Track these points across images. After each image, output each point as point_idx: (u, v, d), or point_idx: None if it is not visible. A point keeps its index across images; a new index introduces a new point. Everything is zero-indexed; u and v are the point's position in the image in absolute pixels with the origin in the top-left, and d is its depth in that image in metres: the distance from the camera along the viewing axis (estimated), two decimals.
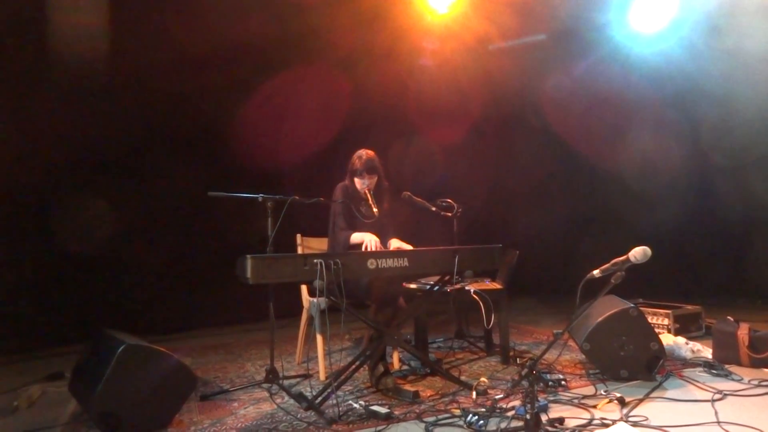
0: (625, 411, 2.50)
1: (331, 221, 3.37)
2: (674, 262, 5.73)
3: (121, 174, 5.11)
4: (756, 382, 2.84)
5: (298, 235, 3.65)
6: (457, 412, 2.56)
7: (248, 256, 2.44)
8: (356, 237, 3.18)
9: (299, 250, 3.59)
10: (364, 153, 3.33)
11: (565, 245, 6.63)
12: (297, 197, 3.14)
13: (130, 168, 5.16)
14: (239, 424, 2.60)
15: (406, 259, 2.79)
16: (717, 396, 2.66)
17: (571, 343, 3.57)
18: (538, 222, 6.56)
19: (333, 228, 3.35)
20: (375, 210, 3.20)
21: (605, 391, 2.77)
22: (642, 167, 5.96)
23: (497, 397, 2.73)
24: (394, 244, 3.27)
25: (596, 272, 2.38)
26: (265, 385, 3.17)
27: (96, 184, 4.94)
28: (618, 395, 2.64)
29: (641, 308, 3.15)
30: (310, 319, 3.52)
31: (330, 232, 3.40)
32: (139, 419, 2.48)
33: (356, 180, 3.32)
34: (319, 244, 3.63)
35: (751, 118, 5.12)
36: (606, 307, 3.08)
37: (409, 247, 3.21)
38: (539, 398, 2.48)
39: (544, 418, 2.33)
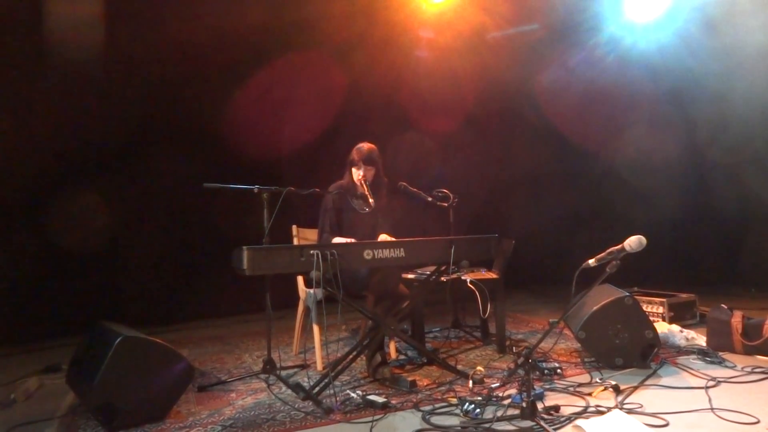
0: (620, 398, 2.51)
1: (320, 226, 3.37)
2: (670, 253, 5.76)
3: (116, 166, 5.07)
4: (749, 369, 2.87)
5: (294, 227, 3.64)
6: (454, 400, 2.57)
7: (245, 247, 2.44)
8: (337, 240, 3.15)
9: (295, 242, 3.58)
10: (364, 145, 3.33)
11: (561, 236, 6.63)
12: (293, 188, 3.12)
13: (125, 160, 5.12)
14: (237, 415, 2.60)
15: (402, 249, 2.79)
16: (711, 383, 2.69)
17: (566, 331, 3.61)
18: (534, 213, 6.56)
19: (320, 233, 3.36)
20: (371, 200, 3.19)
21: (600, 379, 2.78)
22: (638, 160, 5.96)
23: (493, 385, 2.75)
24: (382, 237, 3.26)
25: (592, 261, 2.39)
26: (262, 376, 3.17)
27: (92, 177, 4.91)
28: (613, 383, 2.66)
29: (636, 297, 3.16)
30: (307, 310, 3.53)
31: (318, 238, 3.40)
32: (137, 411, 2.48)
33: (353, 170, 3.31)
34: (315, 235, 3.60)
35: (747, 113, 5.12)
36: (601, 296, 3.09)
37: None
38: (535, 386, 2.50)
39: (539, 406, 2.35)
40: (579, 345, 3.26)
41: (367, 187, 3.24)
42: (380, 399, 2.58)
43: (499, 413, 2.34)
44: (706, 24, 4.76)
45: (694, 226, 6.00)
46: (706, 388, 2.62)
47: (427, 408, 2.51)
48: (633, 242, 2.34)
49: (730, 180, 5.55)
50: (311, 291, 3.29)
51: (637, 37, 5.27)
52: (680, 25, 4.92)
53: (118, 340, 2.43)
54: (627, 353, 2.99)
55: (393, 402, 2.60)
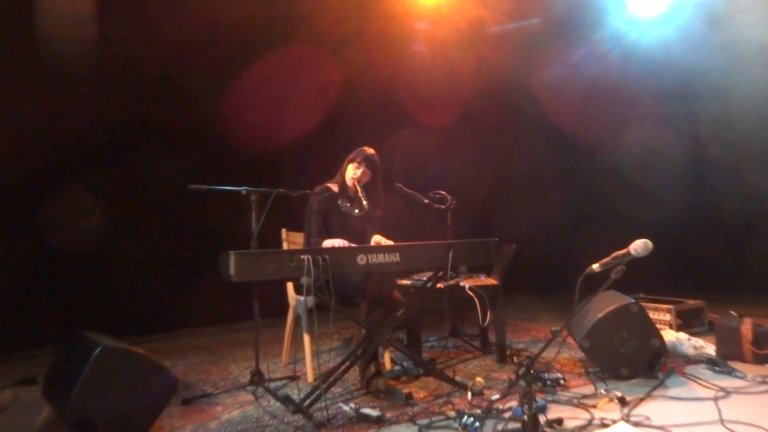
0: (625, 410, 2.48)
1: (306, 230, 3.29)
2: (675, 255, 5.74)
3: (100, 169, 4.99)
4: (760, 379, 2.83)
5: (284, 230, 3.58)
6: (452, 413, 2.53)
7: (231, 252, 2.38)
8: (327, 243, 3.07)
9: (285, 246, 3.52)
10: (369, 148, 3.29)
11: (563, 239, 6.59)
12: (282, 190, 3.07)
13: (110, 163, 5.05)
14: (223, 429, 2.55)
15: (397, 254, 2.72)
16: (720, 394, 2.65)
17: (569, 340, 3.55)
18: (535, 215, 6.52)
19: (307, 237, 3.29)
20: (364, 202, 3.12)
21: (605, 390, 2.74)
22: (642, 157, 5.97)
23: (493, 397, 2.70)
24: (375, 239, 3.18)
25: (596, 266, 2.35)
26: (250, 388, 3.11)
27: (74, 181, 4.82)
28: (618, 394, 2.61)
29: (642, 303, 3.16)
30: (297, 318, 3.47)
31: (305, 242, 3.33)
32: (117, 426, 2.40)
33: (349, 167, 3.26)
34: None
35: (751, 109, 5.13)
36: (606, 303, 3.04)
37: (389, 243, 3.10)
38: (537, 398, 2.46)
39: (542, 419, 2.28)
40: (583, 354, 3.23)
41: (360, 188, 3.17)
42: (374, 412, 2.53)
43: (500, 427, 2.29)
44: (710, 19, 4.80)
45: (700, 228, 5.98)
46: (716, 399, 2.58)
47: (424, 421, 2.45)
48: (639, 246, 2.29)
49: (737, 179, 5.56)
50: (301, 298, 3.21)
51: (641, 33, 5.31)
52: (684, 20, 4.96)
53: (97, 350, 2.36)
54: (633, 363, 2.94)
55: (388, 415, 2.55)
